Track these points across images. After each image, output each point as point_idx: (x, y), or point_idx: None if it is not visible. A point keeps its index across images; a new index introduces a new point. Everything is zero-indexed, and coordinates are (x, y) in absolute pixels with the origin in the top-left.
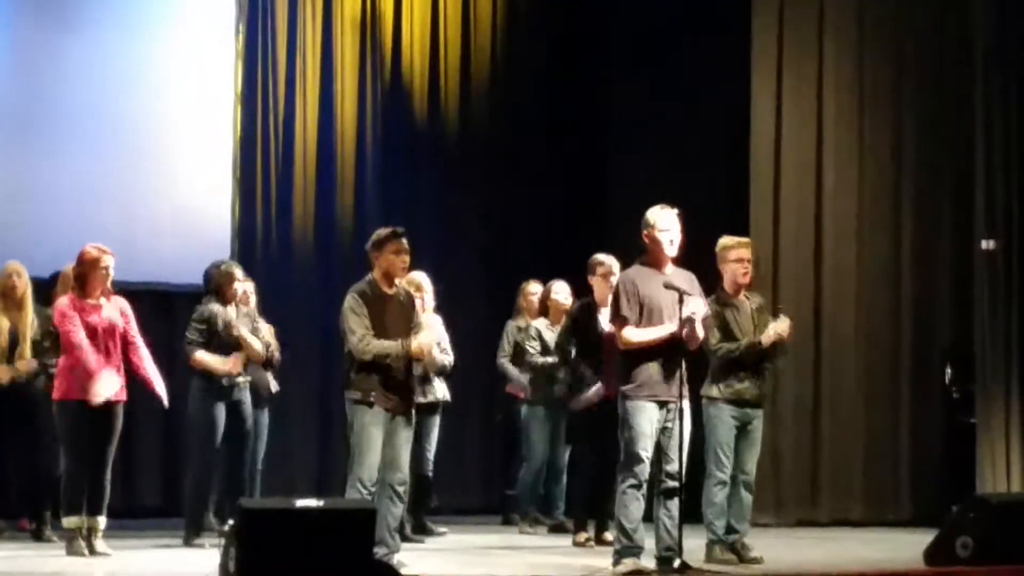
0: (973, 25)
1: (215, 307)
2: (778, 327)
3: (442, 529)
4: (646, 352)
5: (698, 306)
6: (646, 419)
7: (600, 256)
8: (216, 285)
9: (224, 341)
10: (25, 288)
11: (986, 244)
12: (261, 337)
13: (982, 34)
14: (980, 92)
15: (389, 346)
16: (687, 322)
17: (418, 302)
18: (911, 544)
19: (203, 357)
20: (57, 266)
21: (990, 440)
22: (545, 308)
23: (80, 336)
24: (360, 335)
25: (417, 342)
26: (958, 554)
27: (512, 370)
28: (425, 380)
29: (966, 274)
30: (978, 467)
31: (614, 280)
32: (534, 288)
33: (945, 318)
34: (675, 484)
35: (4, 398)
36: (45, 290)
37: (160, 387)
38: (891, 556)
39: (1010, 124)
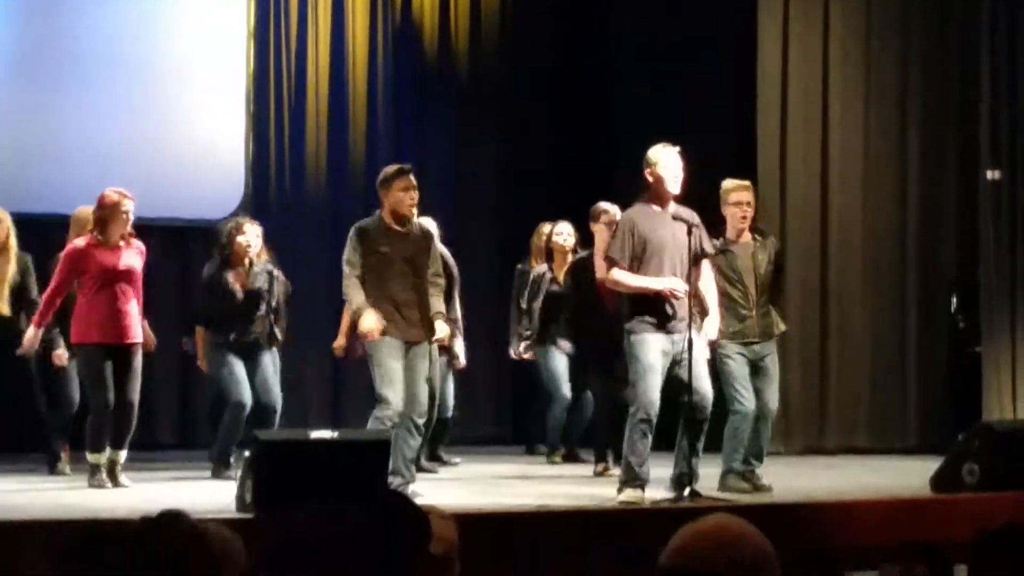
0: None
1: (214, 270)
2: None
3: (456, 460)
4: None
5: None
6: (653, 352)
7: (603, 204)
8: (223, 244)
9: (233, 302)
10: (7, 233)
11: (991, 174)
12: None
13: None
14: (986, 26)
15: (354, 298)
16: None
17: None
18: (917, 471)
19: (198, 337)
20: (74, 201)
21: (996, 369)
22: (550, 250)
23: (60, 281)
24: (346, 272)
25: (366, 322)
26: (964, 481)
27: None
28: None
29: (971, 205)
30: (984, 395)
31: None
32: (547, 229)
33: (950, 249)
34: (701, 417)
35: None
36: (62, 231)
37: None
38: (898, 483)
39: (1016, 56)
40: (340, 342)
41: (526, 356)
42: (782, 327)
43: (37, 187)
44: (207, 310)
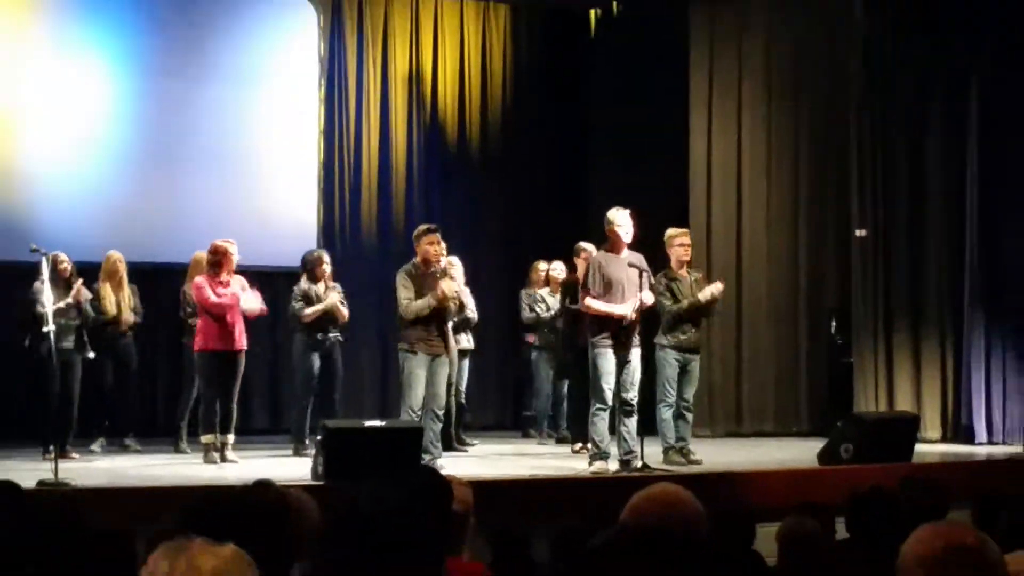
0: (852, 78)
1: (306, 285)
2: (714, 288)
3: (474, 441)
4: (604, 316)
5: (647, 297)
6: (608, 361)
7: (583, 244)
8: (310, 266)
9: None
10: (124, 271)
11: (859, 232)
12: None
13: (855, 86)
14: (854, 126)
15: (422, 303)
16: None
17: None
18: (808, 449)
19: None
20: (190, 254)
21: (863, 374)
22: (547, 280)
23: (213, 298)
24: (404, 302)
25: (440, 289)
26: (841, 456)
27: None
28: (457, 330)
29: (846, 253)
30: (855, 394)
31: None
32: (542, 266)
33: (831, 285)
34: (631, 407)
35: (117, 347)
36: (182, 271)
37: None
38: (795, 457)
39: (876, 147)
40: None
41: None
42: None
43: (160, 241)
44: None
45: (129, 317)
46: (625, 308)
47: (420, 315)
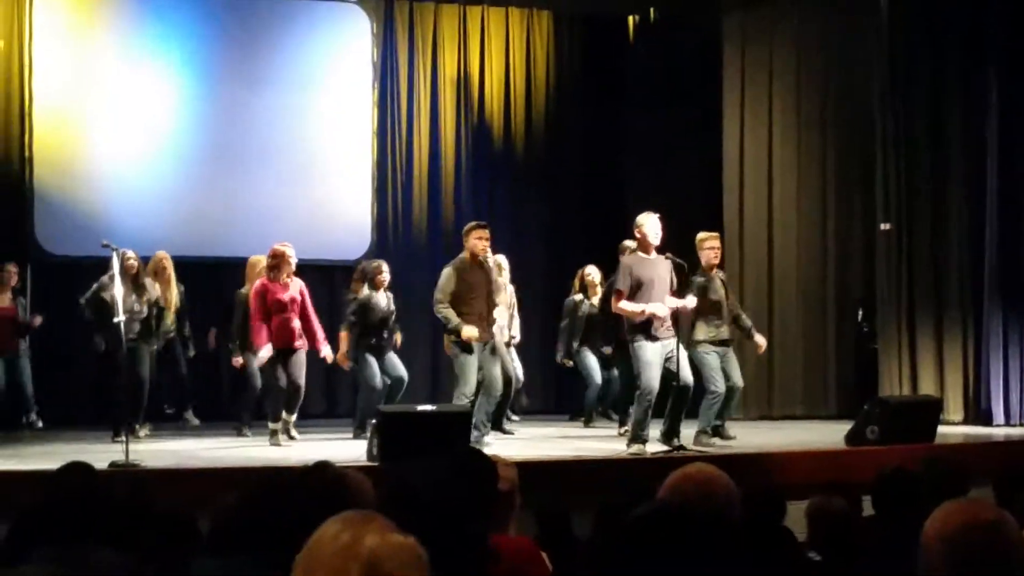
0: (876, 76)
1: (367, 294)
2: (760, 343)
3: (515, 418)
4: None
5: (689, 301)
6: (647, 351)
7: (627, 242)
8: (371, 275)
9: (375, 318)
10: (171, 270)
11: (883, 226)
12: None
13: (879, 83)
14: (879, 123)
15: (449, 316)
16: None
17: (498, 277)
18: (836, 431)
19: (343, 340)
20: (253, 253)
21: (888, 360)
22: (582, 284)
23: (254, 310)
24: (437, 299)
25: (467, 331)
26: (868, 437)
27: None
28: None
29: (872, 245)
30: (880, 378)
31: None
32: (589, 271)
33: (858, 277)
34: (685, 390)
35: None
36: (240, 269)
37: (325, 348)
38: (823, 439)
39: (899, 147)
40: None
41: (566, 363)
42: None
43: (222, 238)
44: (357, 322)
45: (170, 317)
46: (657, 307)
47: (444, 321)
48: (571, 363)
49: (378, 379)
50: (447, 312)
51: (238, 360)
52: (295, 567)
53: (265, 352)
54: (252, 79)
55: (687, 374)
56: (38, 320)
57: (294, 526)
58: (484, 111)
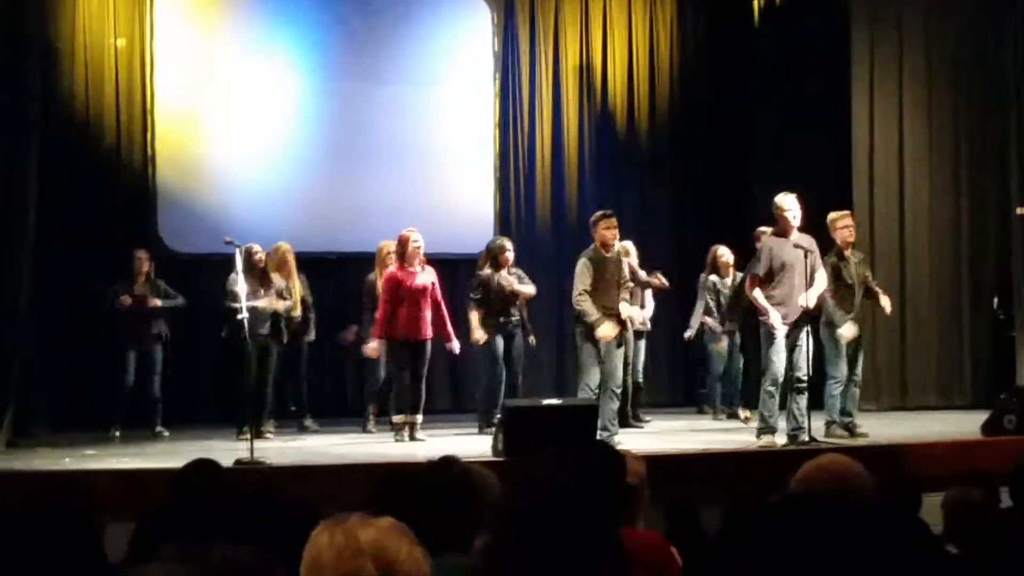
0: (1010, 58)
1: (488, 272)
2: (886, 304)
3: (649, 418)
4: (777, 297)
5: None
6: (778, 339)
7: (763, 228)
8: (494, 254)
9: (497, 295)
10: (293, 262)
11: (1020, 210)
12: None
13: (1014, 66)
14: (1015, 102)
15: (588, 311)
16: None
17: (625, 261)
18: (972, 422)
19: (473, 316)
20: (375, 244)
21: None
22: (714, 264)
23: (389, 296)
24: (579, 291)
25: (602, 330)
26: (1005, 427)
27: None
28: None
29: (1008, 231)
30: (1017, 367)
31: None
32: (722, 251)
33: (992, 263)
34: (803, 384)
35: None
36: (369, 260)
37: (452, 340)
38: (958, 429)
39: None
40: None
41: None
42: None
43: (345, 233)
44: (481, 300)
45: (297, 308)
46: (776, 321)
47: (583, 314)
48: (691, 337)
49: (499, 365)
50: (586, 305)
51: (371, 348)
52: None
53: (374, 343)
54: (373, 74)
55: (805, 366)
56: (157, 302)
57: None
58: (608, 99)
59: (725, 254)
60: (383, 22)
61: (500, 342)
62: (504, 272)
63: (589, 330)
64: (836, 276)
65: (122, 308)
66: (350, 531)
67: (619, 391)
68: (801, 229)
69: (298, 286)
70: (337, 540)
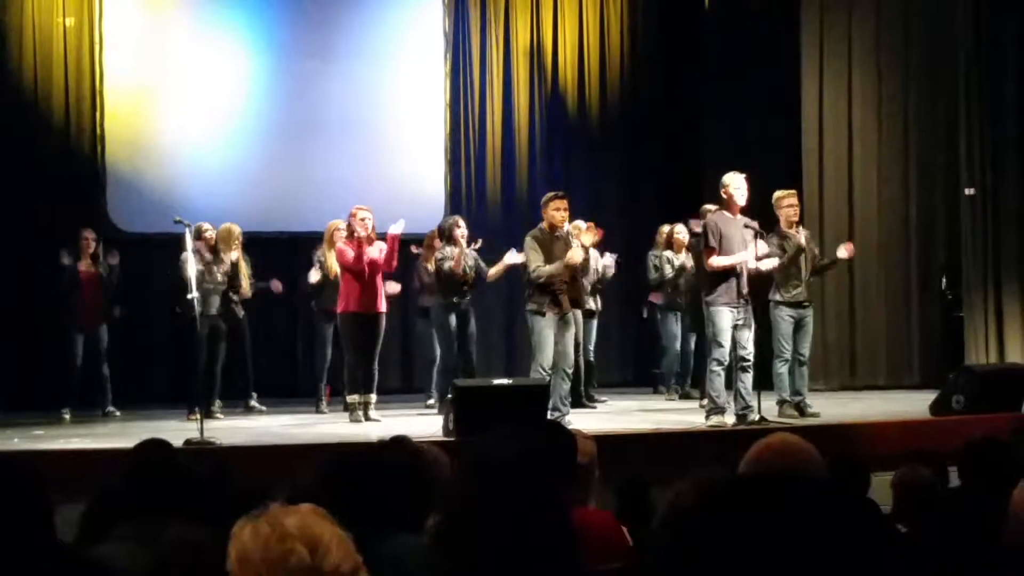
0: (961, 36)
1: (447, 250)
2: (847, 249)
3: (603, 398)
4: (722, 274)
5: (764, 265)
6: (724, 318)
7: (708, 206)
8: (447, 231)
9: (453, 272)
10: (238, 239)
11: (968, 191)
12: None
13: (964, 44)
14: (962, 82)
15: (552, 268)
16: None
17: (575, 241)
18: (920, 401)
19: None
20: (325, 223)
21: (973, 328)
22: (669, 241)
23: (352, 258)
24: (534, 266)
25: (568, 257)
26: (953, 407)
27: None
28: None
29: (955, 211)
30: (965, 347)
31: None
32: (665, 228)
33: (941, 242)
34: (748, 363)
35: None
36: (318, 239)
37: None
38: (906, 409)
39: (984, 109)
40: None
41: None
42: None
43: (295, 212)
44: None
45: (245, 286)
46: (743, 255)
47: (551, 278)
48: (647, 315)
49: (454, 343)
50: (544, 269)
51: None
52: None
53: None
54: (323, 52)
55: (750, 345)
56: (116, 311)
57: (372, 502)
58: (558, 80)
59: (682, 232)
60: (334, 1)
61: (453, 321)
62: (460, 250)
63: (540, 309)
64: (780, 253)
65: (67, 284)
66: (273, 519)
67: (571, 371)
68: (748, 210)
69: (244, 266)
70: (262, 529)
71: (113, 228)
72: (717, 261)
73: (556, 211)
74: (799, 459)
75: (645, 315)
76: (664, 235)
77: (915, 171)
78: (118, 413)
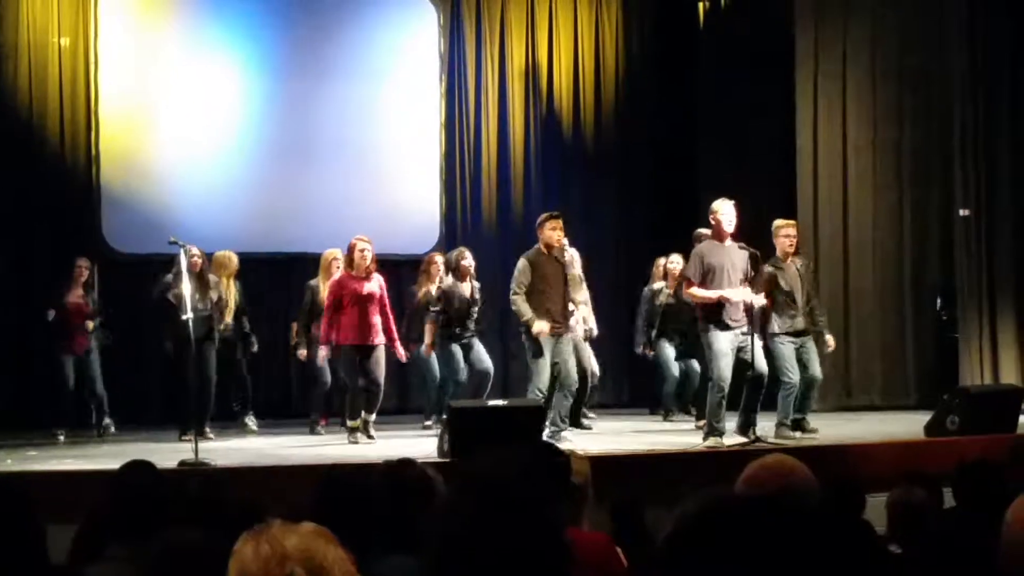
0: (955, 60)
1: (450, 282)
2: (830, 343)
3: (592, 415)
4: (710, 303)
5: (747, 295)
6: (720, 342)
7: (702, 230)
8: (453, 265)
9: (456, 309)
10: (233, 267)
11: (962, 212)
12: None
13: (958, 67)
14: (957, 107)
15: (522, 310)
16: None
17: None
18: (916, 422)
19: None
20: (322, 247)
21: (968, 349)
22: (664, 273)
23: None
24: (513, 290)
25: (537, 326)
26: (948, 428)
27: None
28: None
29: (950, 232)
30: (960, 368)
31: None
32: (660, 261)
33: (935, 264)
34: (759, 381)
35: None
36: (313, 260)
37: (399, 348)
38: (902, 429)
39: (979, 130)
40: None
41: (648, 352)
42: (822, 320)
43: (289, 232)
44: (441, 311)
45: (229, 316)
46: (730, 292)
47: (518, 314)
48: (652, 352)
49: (462, 372)
50: (521, 305)
51: (303, 353)
52: None
53: (324, 351)
54: (319, 73)
55: (761, 363)
56: (91, 325)
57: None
58: (553, 101)
59: (676, 262)
60: (329, 22)
61: (457, 349)
62: (466, 282)
63: (530, 331)
64: (774, 283)
65: (51, 319)
66: (274, 539)
67: (574, 388)
68: (739, 235)
69: (234, 294)
70: (262, 549)
71: (108, 248)
72: (696, 292)
73: (552, 231)
74: (794, 479)
75: (651, 354)
76: (660, 268)
77: (910, 193)
78: (113, 429)
